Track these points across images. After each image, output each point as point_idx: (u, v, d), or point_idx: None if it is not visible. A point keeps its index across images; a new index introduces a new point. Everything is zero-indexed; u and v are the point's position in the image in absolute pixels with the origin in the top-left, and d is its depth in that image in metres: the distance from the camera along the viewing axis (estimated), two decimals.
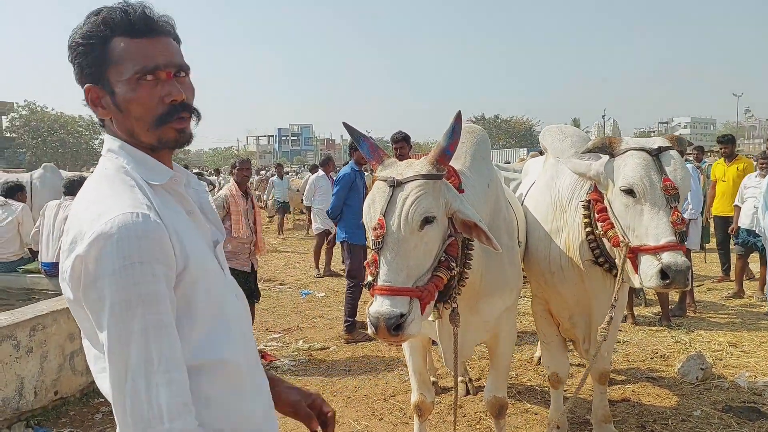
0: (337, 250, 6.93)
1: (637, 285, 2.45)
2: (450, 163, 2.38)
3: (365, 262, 2.12)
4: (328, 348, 5.46)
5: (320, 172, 9.48)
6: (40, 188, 8.86)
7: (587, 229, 2.73)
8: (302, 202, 16.04)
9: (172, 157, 1.26)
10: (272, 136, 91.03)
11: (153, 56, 1.14)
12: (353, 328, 5.67)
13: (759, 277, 6.71)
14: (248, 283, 5.01)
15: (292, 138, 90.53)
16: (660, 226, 2.34)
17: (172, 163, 1.28)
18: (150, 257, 1.03)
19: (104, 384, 1.07)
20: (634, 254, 2.39)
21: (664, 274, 2.27)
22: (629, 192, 2.42)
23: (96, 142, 45.59)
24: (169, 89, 1.15)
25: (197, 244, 1.16)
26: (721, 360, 4.77)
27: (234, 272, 4.97)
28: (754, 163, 7.21)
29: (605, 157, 2.58)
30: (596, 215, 2.61)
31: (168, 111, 1.15)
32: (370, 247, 2.06)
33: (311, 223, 8.90)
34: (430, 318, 2.31)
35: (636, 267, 2.40)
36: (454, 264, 2.06)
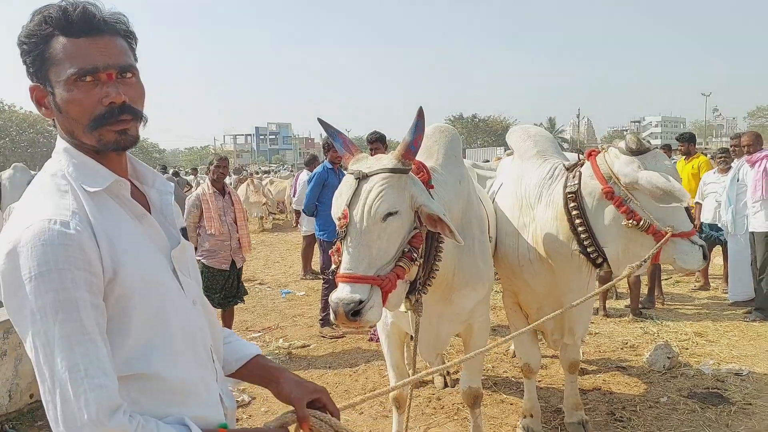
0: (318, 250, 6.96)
1: (679, 266, 2.72)
2: (423, 161, 2.48)
3: (330, 251, 2.18)
4: (309, 345, 5.53)
5: (306, 173, 9.24)
6: (10, 189, 8.67)
7: (578, 221, 2.84)
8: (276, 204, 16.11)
9: (127, 158, 1.23)
10: (250, 134, 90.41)
11: (92, 57, 1.10)
12: (327, 323, 5.76)
13: (723, 270, 6.96)
14: (230, 281, 5.06)
15: (271, 137, 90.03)
16: (685, 215, 2.78)
17: (137, 164, 1.27)
18: (68, 264, 1.01)
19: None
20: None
21: (704, 254, 2.71)
22: None
23: None
24: (108, 90, 1.11)
25: (139, 252, 1.13)
26: (687, 349, 4.97)
27: (212, 271, 5.05)
28: (711, 160, 7.46)
29: (628, 158, 2.74)
30: (620, 208, 2.74)
31: (106, 113, 1.12)
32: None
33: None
34: (402, 309, 2.39)
35: (660, 251, 2.66)
36: (416, 255, 2.11)
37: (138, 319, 1.11)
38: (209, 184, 5.14)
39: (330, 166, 5.79)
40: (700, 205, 6.79)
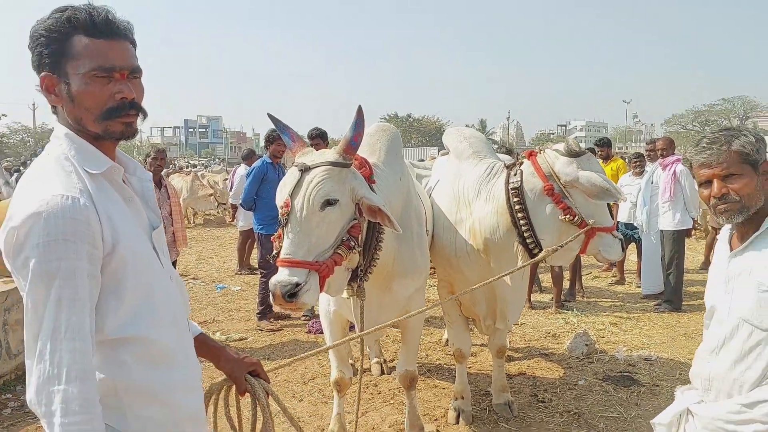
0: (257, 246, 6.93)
1: (603, 257, 3.12)
2: (366, 157, 2.62)
3: (272, 237, 2.31)
4: (246, 338, 5.54)
5: (243, 167, 8.95)
6: None
7: (520, 214, 3.07)
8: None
9: (116, 149, 1.37)
10: (179, 127, 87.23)
11: (110, 57, 1.26)
12: (264, 317, 5.80)
13: (637, 266, 7.52)
14: None
15: (200, 130, 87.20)
16: (608, 212, 3.16)
17: (120, 154, 1.40)
18: (74, 236, 1.14)
19: None
20: (592, 234, 3.01)
21: (623, 247, 3.13)
22: None
23: None
24: (121, 87, 1.27)
25: (130, 229, 1.27)
26: (603, 337, 5.39)
27: None
28: (627, 162, 8.02)
29: (567, 159, 3.03)
30: (558, 204, 3.03)
31: (117, 106, 1.27)
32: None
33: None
34: (345, 295, 2.53)
35: (587, 243, 3.01)
36: (354, 244, 2.26)
37: (131, 288, 1.25)
38: None
39: (269, 161, 5.75)
40: (617, 205, 7.30)
